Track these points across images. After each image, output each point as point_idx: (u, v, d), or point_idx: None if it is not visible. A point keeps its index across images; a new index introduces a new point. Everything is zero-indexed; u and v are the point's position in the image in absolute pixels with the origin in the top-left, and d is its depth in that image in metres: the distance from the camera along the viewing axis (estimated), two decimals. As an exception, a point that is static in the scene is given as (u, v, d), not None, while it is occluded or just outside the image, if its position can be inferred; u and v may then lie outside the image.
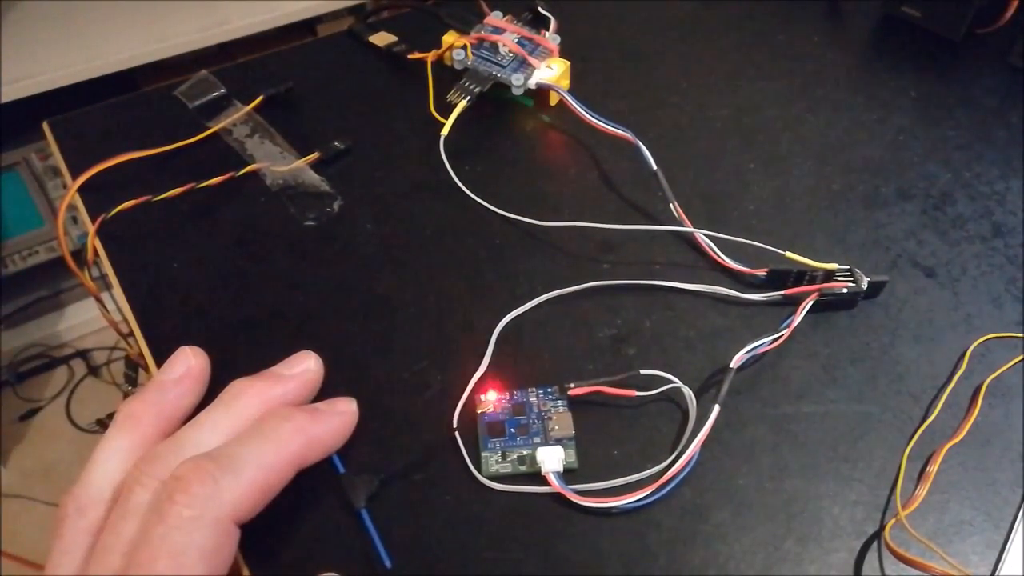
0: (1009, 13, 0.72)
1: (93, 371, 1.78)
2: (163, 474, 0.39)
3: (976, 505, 0.44)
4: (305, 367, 0.46)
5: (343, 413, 0.45)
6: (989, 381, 0.49)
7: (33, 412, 1.72)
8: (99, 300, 0.60)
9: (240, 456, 0.40)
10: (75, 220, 1.54)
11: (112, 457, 0.41)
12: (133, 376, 0.69)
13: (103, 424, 0.69)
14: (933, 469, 0.45)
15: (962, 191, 0.61)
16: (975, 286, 0.55)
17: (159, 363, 0.51)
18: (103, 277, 0.60)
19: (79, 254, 0.57)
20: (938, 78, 0.71)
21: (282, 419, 0.42)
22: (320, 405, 0.45)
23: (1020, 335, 0.52)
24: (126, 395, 0.68)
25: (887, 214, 0.59)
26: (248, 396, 0.43)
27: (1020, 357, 0.51)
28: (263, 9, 1.26)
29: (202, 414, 0.43)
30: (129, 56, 1.20)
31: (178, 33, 1.19)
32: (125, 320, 0.56)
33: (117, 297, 0.55)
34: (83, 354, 1.79)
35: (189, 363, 0.45)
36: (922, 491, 0.44)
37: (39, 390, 1.75)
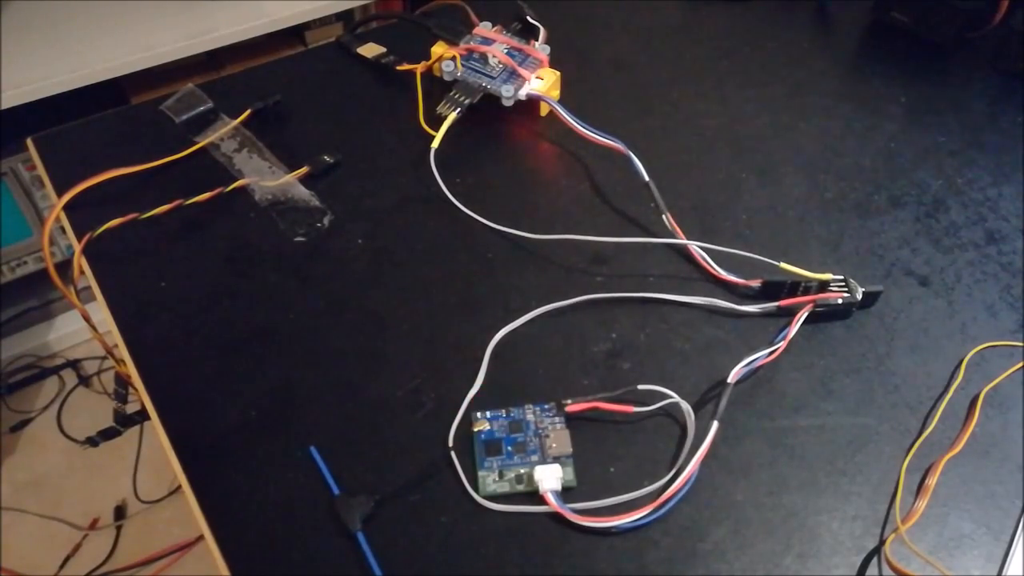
0: (999, 17, 0.72)
1: (84, 381, 1.76)
2: None
3: (976, 518, 0.44)
4: None
5: None
6: (986, 391, 0.49)
7: (24, 423, 1.71)
8: (86, 318, 0.59)
9: None
10: (63, 230, 1.52)
11: None
12: (124, 393, 0.68)
13: (93, 442, 0.68)
14: (932, 482, 0.45)
15: (954, 198, 0.61)
16: (970, 294, 0.55)
17: (147, 384, 0.50)
18: (90, 288, 0.59)
19: (67, 267, 0.56)
20: (928, 83, 0.70)
21: None
22: None
23: (1018, 343, 0.52)
24: (116, 409, 0.67)
25: (880, 222, 0.59)
26: None
27: (1018, 366, 0.50)
28: (251, 16, 1.25)
29: None
30: (115, 65, 1.19)
31: (165, 41, 1.18)
32: (111, 333, 0.55)
33: (104, 316, 0.55)
34: (74, 364, 1.77)
35: None
36: (921, 504, 0.44)
37: (30, 401, 1.73)
